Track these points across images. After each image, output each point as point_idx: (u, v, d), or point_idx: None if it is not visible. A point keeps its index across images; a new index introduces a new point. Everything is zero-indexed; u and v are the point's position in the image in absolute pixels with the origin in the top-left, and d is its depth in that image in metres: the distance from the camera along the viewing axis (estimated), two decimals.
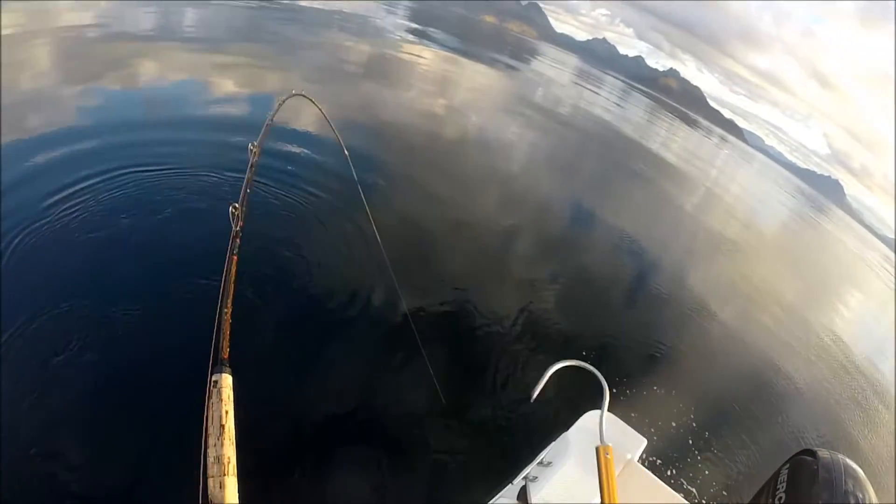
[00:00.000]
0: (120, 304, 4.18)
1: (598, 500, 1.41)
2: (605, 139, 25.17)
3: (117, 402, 3.54)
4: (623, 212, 13.33)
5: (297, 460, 3.55)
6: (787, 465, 1.26)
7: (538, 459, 2.50)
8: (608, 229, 11.27)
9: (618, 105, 48.96)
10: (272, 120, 2.79)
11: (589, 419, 2.73)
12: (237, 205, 1.90)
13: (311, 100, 3.44)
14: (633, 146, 27.16)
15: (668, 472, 4.53)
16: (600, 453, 1.47)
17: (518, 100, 25.17)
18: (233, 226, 1.84)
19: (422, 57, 25.10)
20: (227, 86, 10.65)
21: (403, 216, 7.37)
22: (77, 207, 5.04)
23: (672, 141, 42.14)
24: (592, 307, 7.46)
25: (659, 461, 4.54)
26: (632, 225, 12.20)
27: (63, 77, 8.60)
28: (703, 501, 4.50)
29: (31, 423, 3.22)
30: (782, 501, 1.19)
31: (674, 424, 5.28)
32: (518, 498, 2.11)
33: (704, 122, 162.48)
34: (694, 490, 4.51)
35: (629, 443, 2.67)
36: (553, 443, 2.70)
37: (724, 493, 4.78)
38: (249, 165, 2.31)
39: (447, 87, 20.84)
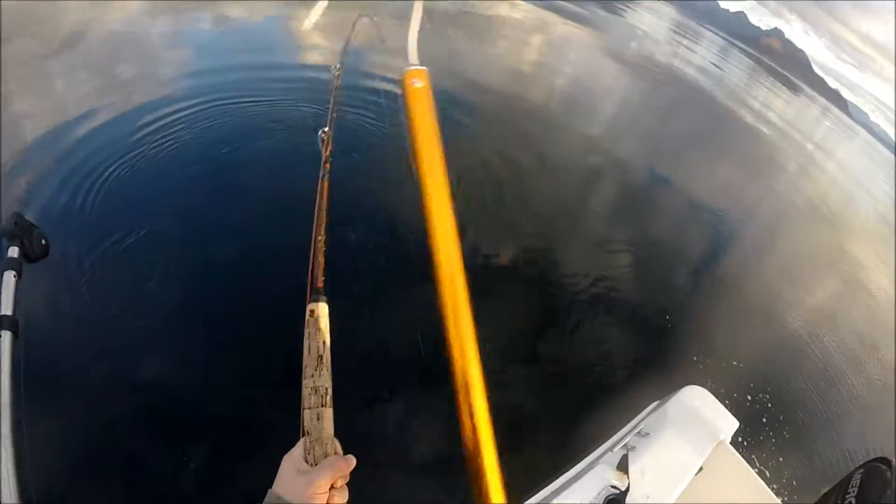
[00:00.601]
0: (213, 234, 4.43)
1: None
2: (699, 99, 23.44)
3: (213, 333, 3.70)
4: (710, 178, 12.49)
5: (384, 390, 3.64)
6: (862, 470, 1.22)
7: (636, 428, 2.46)
8: (692, 195, 10.54)
9: (714, 65, 45.25)
10: (348, 43, 2.69)
11: (688, 393, 2.62)
12: (326, 129, 1.85)
13: (374, 21, 3.34)
14: (728, 109, 25.14)
15: (741, 448, 4.35)
16: (405, 77, 1.23)
17: (608, 52, 23.65)
18: (322, 151, 1.78)
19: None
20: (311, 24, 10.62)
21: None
22: (165, 139, 5.32)
23: (771, 106, 38.73)
24: (670, 274, 7.08)
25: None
26: (718, 193, 11.45)
27: (148, 15, 8.86)
28: (773, 487, 4.30)
29: (127, 343, 3.43)
30: None
31: (749, 400, 5.05)
32: (618, 466, 2.08)
33: (807, 89, 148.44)
34: (767, 473, 4.31)
35: (722, 424, 2.54)
36: (649, 412, 2.64)
37: (794, 482, 4.54)
38: (334, 88, 2.21)
39: (533, 33, 19.84)
